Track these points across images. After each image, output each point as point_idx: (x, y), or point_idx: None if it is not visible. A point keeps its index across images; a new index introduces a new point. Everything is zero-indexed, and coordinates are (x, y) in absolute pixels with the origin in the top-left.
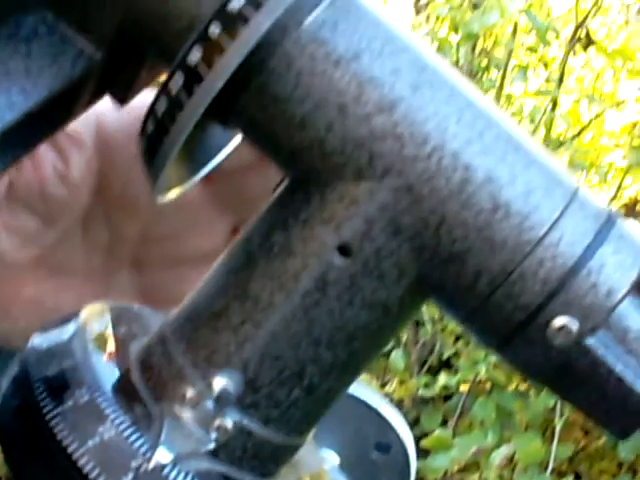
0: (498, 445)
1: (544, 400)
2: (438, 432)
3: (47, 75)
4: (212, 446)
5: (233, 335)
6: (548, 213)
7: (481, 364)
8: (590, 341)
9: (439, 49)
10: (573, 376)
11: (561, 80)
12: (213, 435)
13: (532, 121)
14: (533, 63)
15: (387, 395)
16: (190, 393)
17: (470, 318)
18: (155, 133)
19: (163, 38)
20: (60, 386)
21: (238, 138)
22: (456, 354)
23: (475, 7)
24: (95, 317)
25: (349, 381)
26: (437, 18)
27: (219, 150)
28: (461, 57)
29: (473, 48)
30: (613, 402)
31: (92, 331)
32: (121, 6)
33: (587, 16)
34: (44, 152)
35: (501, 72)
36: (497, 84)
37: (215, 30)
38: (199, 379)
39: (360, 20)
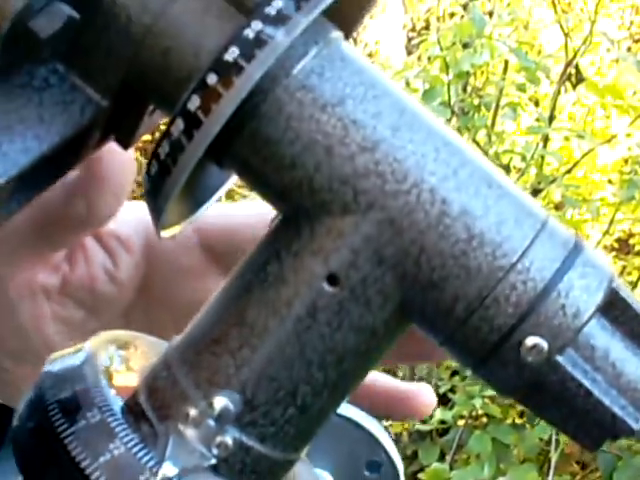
0: (495, 478)
1: (540, 433)
2: (435, 466)
3: (58, 122)
4: (214, 461)
5: (232, 359)
6: (519, 241)
7: (477, 398)
8: (560, 359)
9: (431, 88)
10: (545, 392)
11: (552, 117)
12: (214, 451)
13: (524, 158)
14: (524, 101)
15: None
16: (193, 412)
17: (449, 340)
18: (158, 174)
19: (164, 87)
20: (73, 407)
21: (234, 179)
22: (452, 389)
23: (466, 47)
24: (102, 346)
25: (339, 400)
26: (429, 58)
27: (216, 190)
28: (452, 96)
29: (464, 87)
30: (583, 416)
31: (100, 360)
32: (125, 59)
33: (577, 53)
34: (97, 253)
35: (492, 110)
36: (489, 122)
37: (212, 80)
38: (201, 399)
39: (344, 68)
